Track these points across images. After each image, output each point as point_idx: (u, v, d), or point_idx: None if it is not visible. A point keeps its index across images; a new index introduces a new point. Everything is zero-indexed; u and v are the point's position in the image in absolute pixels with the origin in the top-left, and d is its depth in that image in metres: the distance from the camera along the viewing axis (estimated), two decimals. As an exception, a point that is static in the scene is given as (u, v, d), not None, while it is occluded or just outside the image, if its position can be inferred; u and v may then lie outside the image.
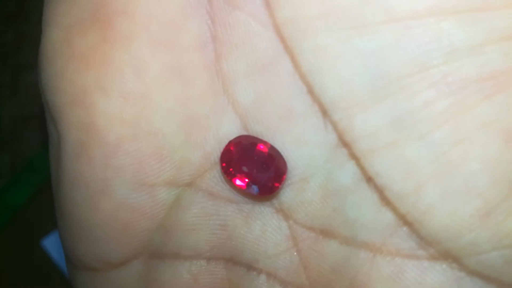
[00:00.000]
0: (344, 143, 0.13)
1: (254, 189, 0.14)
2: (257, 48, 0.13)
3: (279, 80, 0.13)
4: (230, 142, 0.14)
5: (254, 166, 0.14)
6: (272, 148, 0.13)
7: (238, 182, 0.14)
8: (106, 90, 0.13)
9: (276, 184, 0.13)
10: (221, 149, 0.14)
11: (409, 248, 0.13)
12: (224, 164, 0.14)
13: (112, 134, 0.13)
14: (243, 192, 0.14)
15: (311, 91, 0.13)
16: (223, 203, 0.14)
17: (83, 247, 0.15)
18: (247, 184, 0.14)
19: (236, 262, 0.14)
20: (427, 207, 0.12)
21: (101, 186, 0.14)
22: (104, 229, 0.14)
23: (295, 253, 0.14)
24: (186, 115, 0.14)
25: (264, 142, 0.13)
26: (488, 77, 0.11)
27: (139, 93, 0.13)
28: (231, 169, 0.14)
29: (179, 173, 0.14)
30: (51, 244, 0.41)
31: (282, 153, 0.13)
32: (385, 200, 0.13)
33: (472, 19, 0.11)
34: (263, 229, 0.14)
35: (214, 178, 0.14)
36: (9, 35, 0.51)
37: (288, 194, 0.14)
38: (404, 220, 0.12)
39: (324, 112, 0.13)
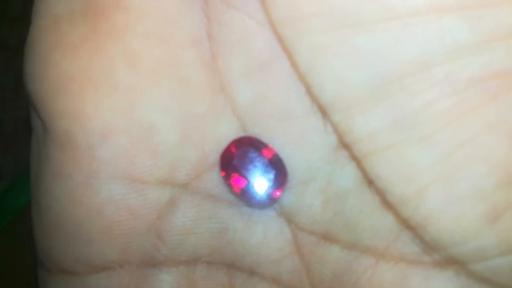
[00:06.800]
0: (344, 145, 0.12)
1: (252, 196, 0.13)
2: (253, 47, 0.13)
3: (277, 80, 0.13)
4: (232, 142, 0.13)
5: (254, 171, 0.13)
6: (275, 155, 0.13)
7: (235, 183, 0.13)
8: (94, 79, 0.13)
9: (275, 195, 0.13)
10: (220, 150, 0.13)
11: (412, 253, 0.12)
12: (223, 164, 0.13)
13: (100, 123, 0.13)
14: (240, 197, 0.14)
15: (309, 92, 0.12)
16: (223, 205, 0.14)
17: (61, 247, 0.14)
18: (244, 188, 0.13)
19: (238, 267, 0.14)
20: (430, 211, 0.11)
21: (85, 178, 0.13)
22: (86, 226, 0.13)
23: (297, 258, 0.14)
24: (182, 112, 0.13)
25: (268, 148, 0.13)
26: (494, 76, 0.11)
27: (131, 84, 0.13)
28: (229, 171, 0.13)
29: (174, 172, 0.13)
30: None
31: (281, 156, 0.13)
32: (386, 203, 0.12)
33: (476, 15, 0.11)
34: (265, 233, 0.14)
35: (213, 180, 0.14)
36: (12, 39, 0.52)
37: (288, 197, 0.13)
38: (406, 224, 0.12)
39: (324, 113, 0.12)
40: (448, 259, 0.12)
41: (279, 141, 0.13)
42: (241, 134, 0.13)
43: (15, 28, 0.50)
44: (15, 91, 0.49)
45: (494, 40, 0.11)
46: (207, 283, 0.14)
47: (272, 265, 0.14)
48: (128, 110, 0.13)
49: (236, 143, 0.13)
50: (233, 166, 0.13)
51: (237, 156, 0.13)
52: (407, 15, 0.11)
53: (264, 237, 0.14)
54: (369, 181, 0.12)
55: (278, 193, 0.13)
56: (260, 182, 0.13)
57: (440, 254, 0.12)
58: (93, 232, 0.13)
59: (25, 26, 0.14)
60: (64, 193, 0.13)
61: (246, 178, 0.13)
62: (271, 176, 0.13)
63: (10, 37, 0.50)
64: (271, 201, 0.13)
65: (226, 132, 0.13)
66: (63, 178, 0.13)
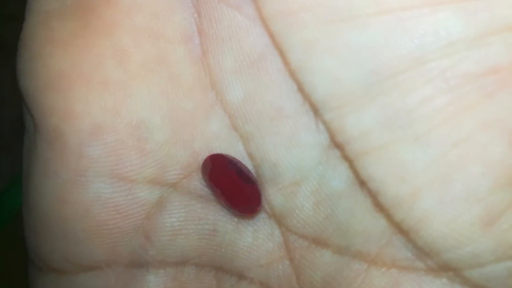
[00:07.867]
0: (336, 144, 0.12)
1: (232, 211, 0.13)
2: (244, 43, 0.12)
3: (268, 77, 0.12)
4: (206, 160, 0.13)
5: (229, 192, 0.13)
6: (247, 175, 0.13)
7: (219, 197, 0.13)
8: (84, 76, 0.13)
9: (250, 214, 0.13)
10: (210, 149, 0.13)
11: (405, 259, 0.12)
12: (205, 179, 0.13)
13: (88, 121, 0.13)
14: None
15: (301, 89, 0.12)
16: (213, 206, 0.13)
17: (49, 245, 0.14)
18: (224, 205, 0.13)
19: (227, 270, 0.14)
20: (424, 214, 0.11)
21: (73, 176, 0.13)
22: (74, 225, 0.13)
23: (287, 262, 0.13)
24: (172, 109, 0.13)
25: (240, 169, 0.13)
26: (490, 72, 0.11)
27: (120, 81, 0.13)
28: (210, 185, 0.13)
29: (163, 171, 0.13)
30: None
31: (272, 155, 0.13)
32: (379, 206, 0.12)
33: (471, 8, 0.10)
34: (254, 236, 0.13)
35: (203, 180, 0.13)
36: (10, 36, 0.51)
37: (279, 199, 0.13)
38: (399, 228, 0.12)
39: (316, 112, 0.12)
40: (442, 265, 0.11)
41: (270, 140, 0.13)
42: (232, 132, 0.13)
43: (12, 27, 0.50)
44: (12, 90, 0.49)
45: (490, 34, 0.10)
46: (195, 286, 0.14)
47: (261, 269, 0.13)
48: (117, 107, 0.13)
49: (210, 160, 0.13)
50: (210, 185, 0.13)
51: (211, 175, 0.13)
52: (400, 9, 0.11)
53: (254, 240, 0.13)
54: (361, 183, 0.12)
55: (258, 207, 0.13)
56: (238, 201, 0.13)
57: (434, 260, 0.11)
58: (81, 231, 0.13)
59: (22, 24, 0.14)
60: (51, 191, 0.13)
61: (224, 197, 0.13)
62: (248, 192, 0.13)
63: (7, 35, 0.50)
64: (254, 213, 0.13)
65: (216, 130, 0.13)
66: (51, 175, 0.13)
